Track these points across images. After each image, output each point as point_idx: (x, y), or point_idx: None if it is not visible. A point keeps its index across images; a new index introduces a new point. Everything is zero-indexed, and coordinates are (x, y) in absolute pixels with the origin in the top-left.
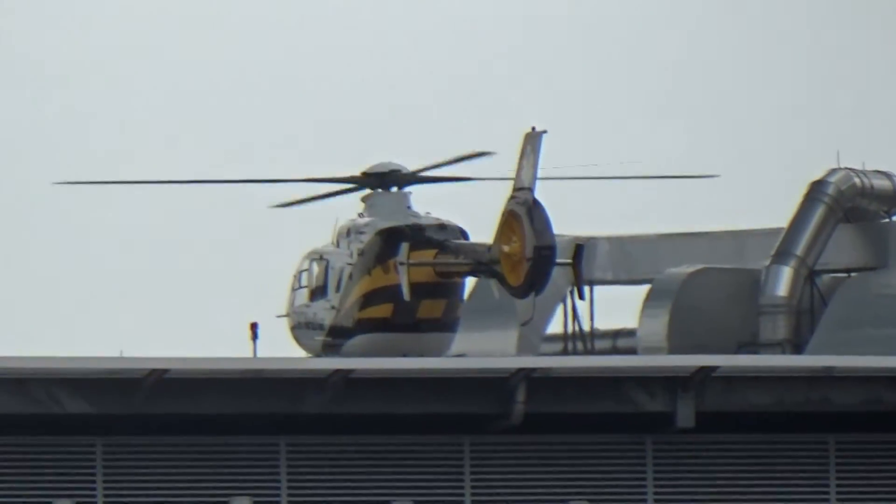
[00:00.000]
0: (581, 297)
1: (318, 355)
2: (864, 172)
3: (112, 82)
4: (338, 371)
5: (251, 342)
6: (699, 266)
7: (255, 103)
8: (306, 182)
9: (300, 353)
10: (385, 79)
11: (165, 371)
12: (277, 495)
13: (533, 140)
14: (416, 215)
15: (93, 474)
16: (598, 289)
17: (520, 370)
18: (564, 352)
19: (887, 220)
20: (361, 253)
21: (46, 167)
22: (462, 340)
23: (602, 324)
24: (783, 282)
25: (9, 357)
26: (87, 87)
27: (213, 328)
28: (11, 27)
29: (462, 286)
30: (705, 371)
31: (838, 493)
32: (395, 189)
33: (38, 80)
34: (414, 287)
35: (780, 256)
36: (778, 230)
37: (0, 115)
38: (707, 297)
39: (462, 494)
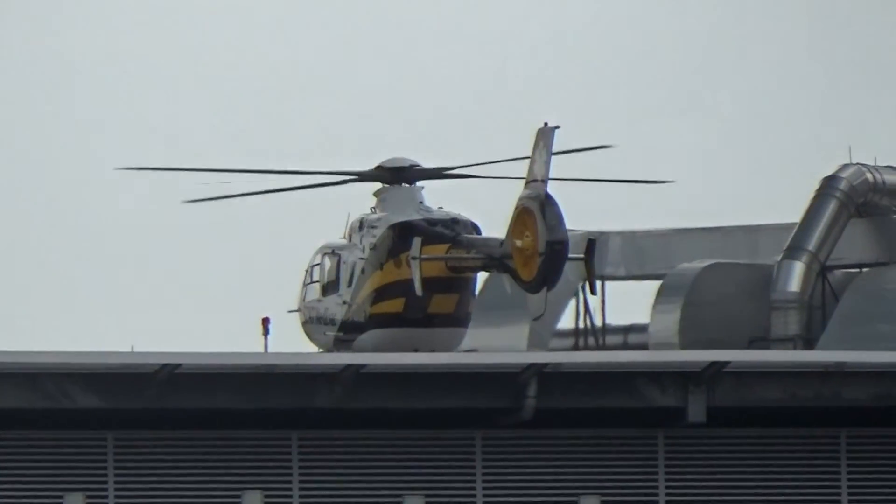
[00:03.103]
0: (593, 292)
1: (329, 350)
2: (877, 168)
3: (148, 74)
4: (349, 366)
5: (263, 337)
6: (711, 261)
7: (273, 98)
8: (319, 175)
9: (312, 348)
10: (399, 75)
11: (177, 366)
12: (289, 490)
13: (546, 135)
14: (428, 210)
15: (104, 469)
16: (609, 284)
17: (531, 365)
18: (576, 347)
19: None
20: (374, 247)
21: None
22: (474, 335)
23: (614, 319)
24: (795, 277)
25: (20, 352)
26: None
27: (225, 323)
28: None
29: (474, 281)
30: (717, 366)
31: (850, 487)
32: (407, 184)
33: (94, 69)
34: (426, 282)
35: (793, 252)
36: (790, 225)
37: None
38: (719, 292)
39: (474, 489)
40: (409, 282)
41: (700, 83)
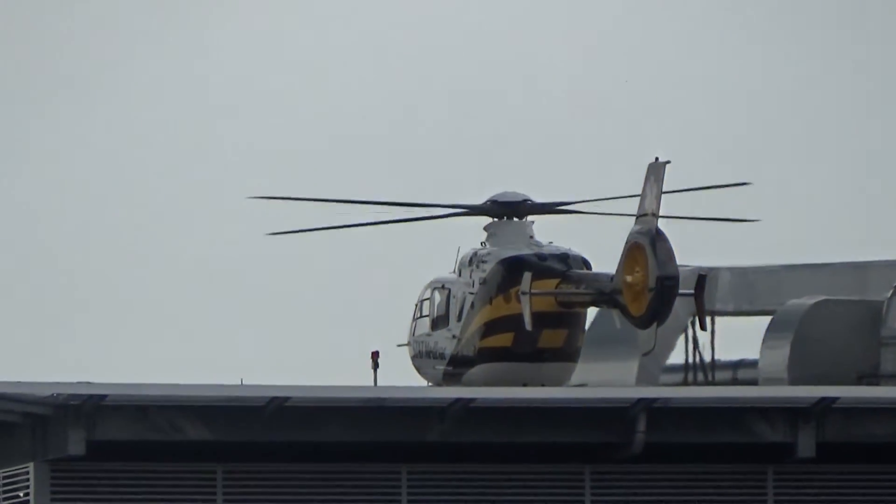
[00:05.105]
0: (703, 327)
1: (439, 384)
2: None
3: (241, 113)
4: (459, 400)
5: (373, 371)
6: (821, 297)
7: (377, 133)
8: (430, 207)
9: (421, 381)
10: (508, 109)
11: (286, 399)
12: None
13: (657, 170)
14: (538, 245)
15: (213, 501)
16: (719, 320)
17: (640, 400)
18: (685, 383)
19: None
20: (483, 282)
21: (174, 200)
22: (583, 370)
23: (723, 355)
24: None
25: (131, 384)
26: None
27: (335, 356)
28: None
29: (584, 316)
30: (826, 402)
31: None
32: (517, 219)
33: (190, 128)
34: (536, 316)
35: None
36: None
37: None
38: (828, 328)
39: None
40: (519, 316)
41: (805, 119)
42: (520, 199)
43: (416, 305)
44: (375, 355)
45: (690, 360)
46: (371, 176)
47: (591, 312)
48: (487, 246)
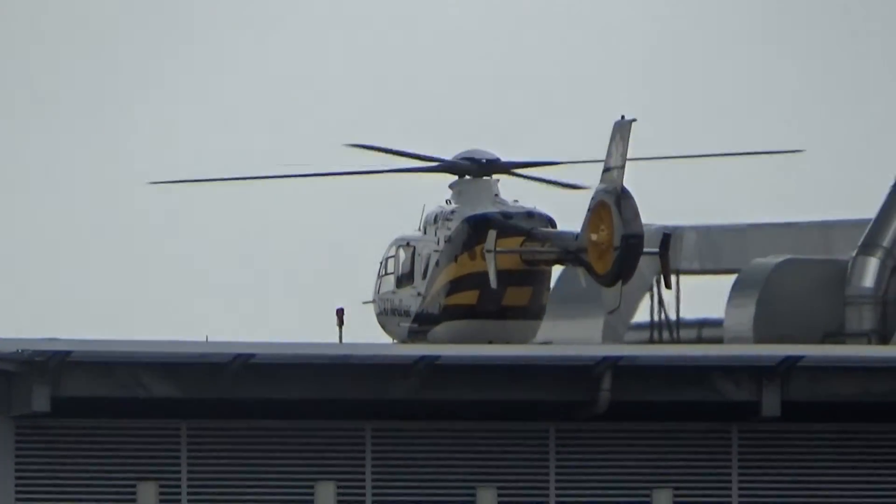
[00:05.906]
0: (668, 286)
1: (403, 342)
2: None
3: (202, 77)
4: (423, 357)
5: (337, 328)
6: (786, 257)
7: (343, 93)
8: (395, 172)
9: (386, 339)
10: (471, 67)
11: (251, 356)
12: (362, 480)
13: (622, 129)
14: (503, 203)
15: (178, 457)
16: (684, 278)
17: (606, 358)
18: (650, 341)
19: None
20: (448, 240)
21: (140, 165)
22: (548, 328)
23: (688, 313)
24: (869, 273)
25: (96, 341)
26: (180, 84)
27: (299, 314)
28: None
29: (549, 274)
30: (791, 361)
31: None
32: (483, 177)
33: (133, 77)
34: (500, 274)
35: (867, 248)
36: (866, 221)
37: (96, 114)
38: (793, 287)
39: (547, 481)
40: (484, 274)
41: (773, 71)
42: (484, 156)
43: (381, 263)
44: (340, 312)
45: (656, 318)
46: (339, 134)
47: (557, 270)
48: (452, 204)
